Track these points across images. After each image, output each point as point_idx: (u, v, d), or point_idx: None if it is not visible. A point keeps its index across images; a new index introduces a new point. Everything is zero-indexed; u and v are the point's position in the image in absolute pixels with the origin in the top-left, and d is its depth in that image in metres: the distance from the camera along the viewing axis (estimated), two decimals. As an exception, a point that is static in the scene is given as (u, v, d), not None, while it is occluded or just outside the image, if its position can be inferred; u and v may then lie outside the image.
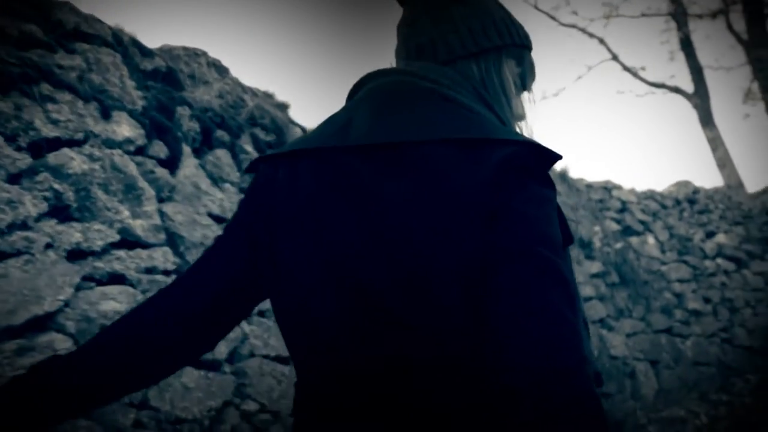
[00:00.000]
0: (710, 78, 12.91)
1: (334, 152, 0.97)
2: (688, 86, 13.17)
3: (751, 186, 12.07)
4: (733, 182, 12.24)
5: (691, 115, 13.07)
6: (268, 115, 3.76)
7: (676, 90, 13.49)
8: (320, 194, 0.95)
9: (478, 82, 1.05)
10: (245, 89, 3.80)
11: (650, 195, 8.28)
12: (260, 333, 3.21)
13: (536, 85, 1.18)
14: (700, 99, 13.01)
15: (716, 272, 7.86)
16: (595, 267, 6.51)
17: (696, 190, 9.12)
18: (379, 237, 0.90)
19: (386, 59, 1.17)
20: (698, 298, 7.29)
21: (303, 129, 4.04)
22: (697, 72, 13.06)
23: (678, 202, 8.60)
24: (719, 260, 8.05)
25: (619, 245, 7.09)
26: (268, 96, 4.04)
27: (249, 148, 3.57)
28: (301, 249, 0.95)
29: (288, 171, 1.00)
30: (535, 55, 1.17)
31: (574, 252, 6.39)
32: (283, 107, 4.08)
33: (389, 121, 0.95)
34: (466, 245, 0.86)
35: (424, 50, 1.07)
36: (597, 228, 7.08)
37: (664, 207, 8.29)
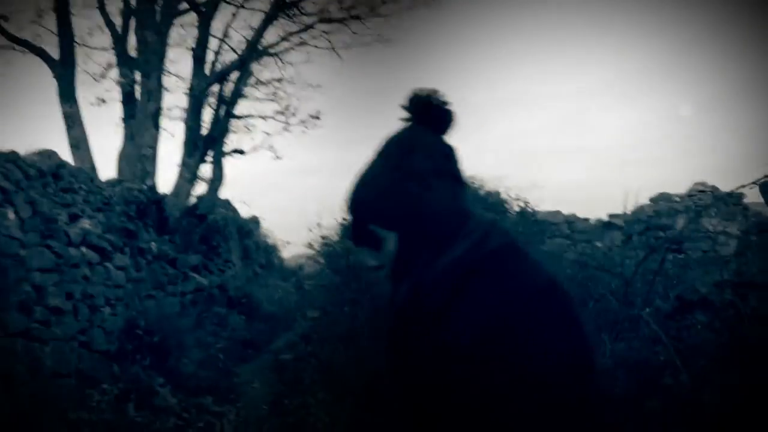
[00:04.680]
0: (81, 52, 11.76)
1: None
2: (56, 53, 11.68)
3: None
4: (86, 165, 11.33)
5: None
6: None
7: (41, 53, 11.84)
8: None
9: None
10: None
11: (13, 159, 6.62)
12: None
13: None
14: (65, 70, 11.70)
15: (80, 263, 6.68)
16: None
17: (62, 164, 7.87)
18: None
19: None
20: (61, 293, 5.99)
21: None
22: (67, 40, 11.74)
23: (43, 173, 7.17)
24: (84, 249, 6.92)
25: (-27, 215, 5.24)
26: None
27: None
28: None
29: None
30: None
31: None
32: None
33: None
34: None
35: None
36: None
37: (27, 177, 6.73)
